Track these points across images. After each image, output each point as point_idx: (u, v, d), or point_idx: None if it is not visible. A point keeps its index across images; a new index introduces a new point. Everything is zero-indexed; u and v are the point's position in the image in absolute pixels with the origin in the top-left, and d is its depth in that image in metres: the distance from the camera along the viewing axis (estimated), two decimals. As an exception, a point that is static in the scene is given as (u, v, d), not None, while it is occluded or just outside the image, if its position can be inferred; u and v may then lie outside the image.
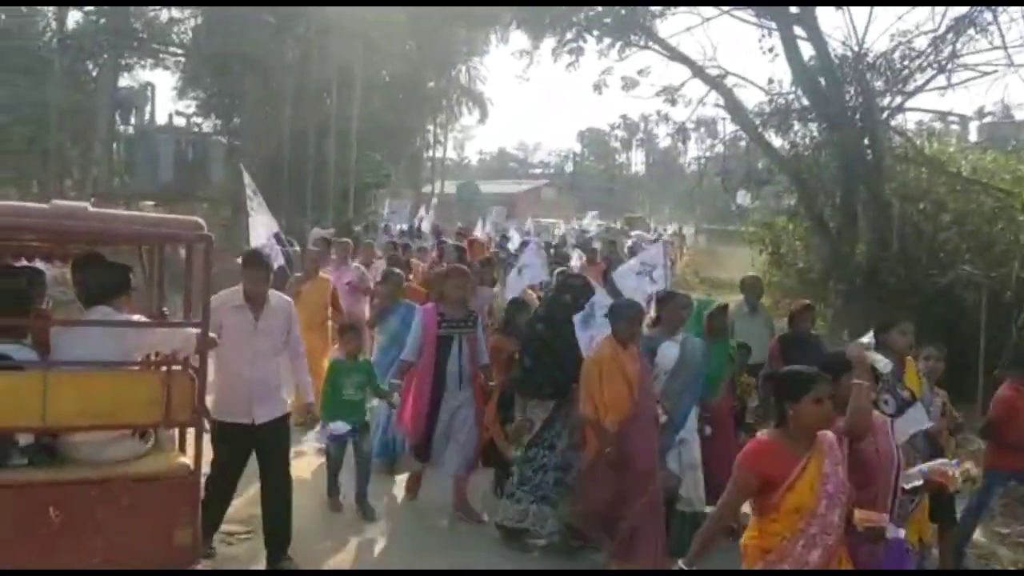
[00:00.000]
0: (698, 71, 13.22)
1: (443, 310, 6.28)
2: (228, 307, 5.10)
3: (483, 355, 6.41)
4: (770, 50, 13.15)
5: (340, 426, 6.36)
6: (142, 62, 25.28)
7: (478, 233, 19.66)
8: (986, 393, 7.21)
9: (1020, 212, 10.61)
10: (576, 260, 14.66)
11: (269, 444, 5.26)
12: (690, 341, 6.00)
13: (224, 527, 5.91)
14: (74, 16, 24.30)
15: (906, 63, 12.09)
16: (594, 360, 5.51)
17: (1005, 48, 11.26)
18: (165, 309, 5.23)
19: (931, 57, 12.00)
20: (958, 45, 11.72)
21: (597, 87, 14.94)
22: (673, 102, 14.54)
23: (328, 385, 6.45)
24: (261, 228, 8.63)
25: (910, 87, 12.30)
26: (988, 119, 36.47)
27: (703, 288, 17.89)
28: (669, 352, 5.91)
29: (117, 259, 4.75)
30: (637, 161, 79.61)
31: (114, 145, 23.37)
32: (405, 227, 20.28)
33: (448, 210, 34.80)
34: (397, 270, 8.59)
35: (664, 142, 44.36)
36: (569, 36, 13.97)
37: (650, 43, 13.56)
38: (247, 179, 9.14)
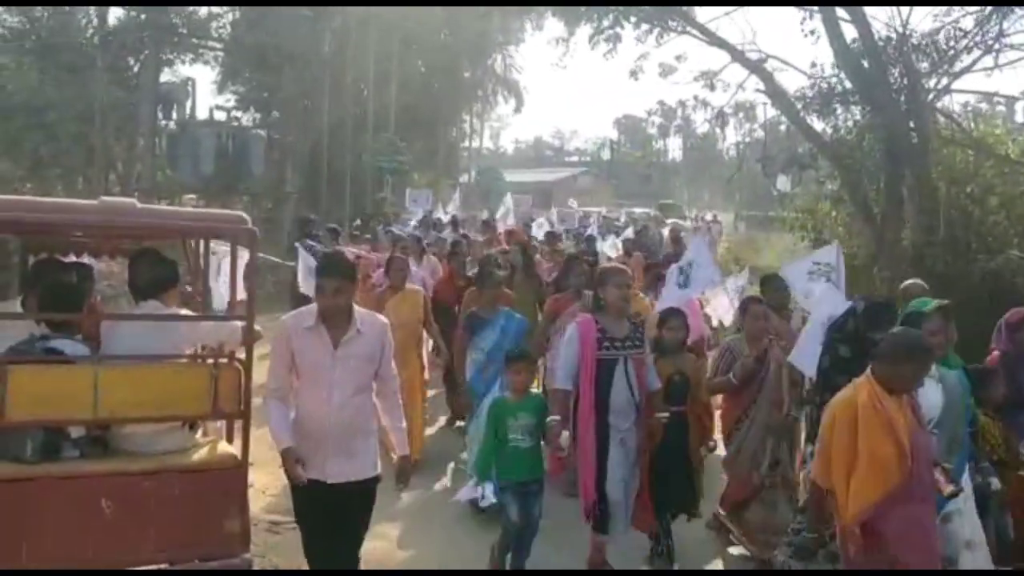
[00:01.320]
0: (738, 55, 13.03)
1: (603, 324, 4.94)
2: (299, 329, 4.00)
3: (654, 379, 5.14)
4: (812, 32, 12.94)
5: (492, 490, 5.38)
6: (182, 57, 25.60)
7: (500, 223, 18.22)
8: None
9: (1070, 195, 10.35)
10: (610, 251, 13.77)
11: (344, 512, 4.07)
12: (949, 377, 4.56)
13: (269, 517, 6.02)
14: (115, 13, 24.72)
15: (952, 43, 11.83)
16: (843, 404, 3.85)
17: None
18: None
19: (977, 37, 11.71)
20: (1005, 24, 11.44)
21: (634, 73, 14.84)
22: (712, 87, 14.39)
23: (489, 430, 5.10)
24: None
25: (956, 68, 12.03)
26: (1036, 99, 35.44)
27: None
28: (932, 396, 4.35)
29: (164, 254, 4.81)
30: (674, 147, 78.95)
31: (156, 140, 23.72)
32: (418, 218, 18.49)
33: (476, 199, 33.73)
34: (498, 270, 7.37)
35: (702, 128, 43.74)
36: (606, 23, 13.86)
37: (688, 28, 13.39)
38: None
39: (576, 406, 4.90)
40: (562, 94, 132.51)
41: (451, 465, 7.49)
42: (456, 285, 8.42)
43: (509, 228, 15.22)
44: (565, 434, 4.68)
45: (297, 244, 10.16)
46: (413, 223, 17.49)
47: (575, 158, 79.43)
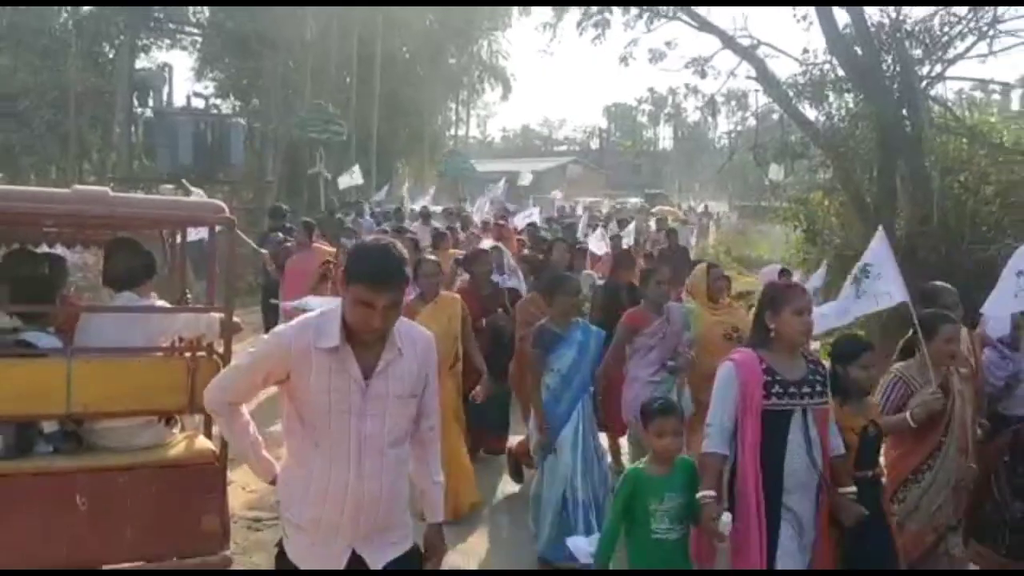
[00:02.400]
0: (729, 41, 12.90)
1: (769, 362, 3.56)
2: (309, 349, 2.66)
3: (838, 440, 3.77)
4: (804, 18, 12.83)
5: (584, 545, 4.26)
6: (159, 43, 25.36)
7: (476, 214, 17.70)
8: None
9: (1065, 183, 10.30)
10: (596, 247, 12.63)
11: None
12: None
13: (250, 513, 5.91)
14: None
15: (945, 30, 11.73)
16: None
17: (1051, 11, 10.90)
18: (188, 294, 5.17)
19: (971, 23, 11.62)
20: (999, 10, 11.35)
21: (623, 60, 14.67)
22: (703, 74, 14.22)
23: (617, 510, 3.79)
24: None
25: (950, 55, 11.94)
26: (1029, 88, 35.52)
27: (735, 268, 17.59)
28: None
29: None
30: (665, 136, 78.89)
31: (132, 128, 23.42)
32: (374, 210, 17.56)
33: (443, 189, 31.46)
34: (575, 274, 6.45)
35: (693, 116, 43.65)
36: (594, 9, 13.73)
37: (679, 13, 13.25)
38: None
39: (733, 477, 3.61)
40: (550, 82, 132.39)
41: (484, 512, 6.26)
42: (480, 297, 7.15)
43: (499, 223, 14.68)
44: (726, 517, 3.46)
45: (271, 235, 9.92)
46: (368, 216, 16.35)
47: (564, 147, 79.27)
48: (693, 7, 13.06)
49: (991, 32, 11.54)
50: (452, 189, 29.88)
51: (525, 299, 6.71)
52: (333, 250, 9.41)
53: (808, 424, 3.55)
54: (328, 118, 23.00)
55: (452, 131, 44.96)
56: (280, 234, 10.23)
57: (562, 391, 5.26)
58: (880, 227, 5.48)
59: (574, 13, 14.17)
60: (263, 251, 9.88)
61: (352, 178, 19.41)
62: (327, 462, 2.69)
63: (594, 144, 76.67)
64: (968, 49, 11.82)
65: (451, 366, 5.98)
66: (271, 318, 9.83)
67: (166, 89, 23.81)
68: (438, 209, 19.59)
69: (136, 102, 23.23)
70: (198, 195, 8.61)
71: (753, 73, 12.90)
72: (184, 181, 9.72)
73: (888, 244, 5.37)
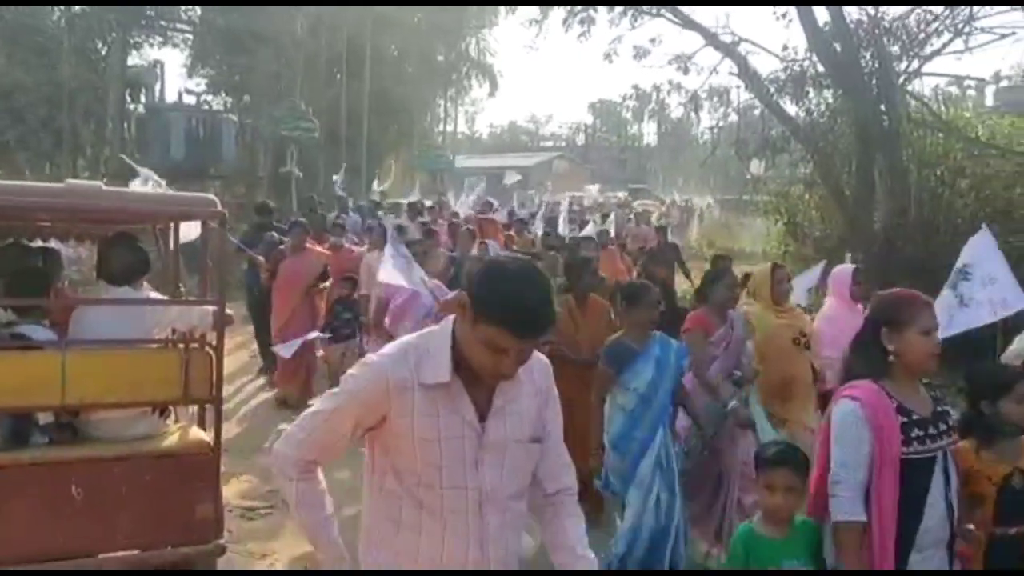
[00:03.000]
0: (711, 38, 13.05)
1: (898, 398, 2.84)
2: (411, 385, 2.09)
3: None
4: (784, 16, 13.00)
5: None
6: (151, 40, 25.28)
7: (460, 208, 17.45)
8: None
9: (1039, 177, 10.50)
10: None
11: None
12: None
13: (244, 502, 5.99)
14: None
15: (922, 26, 11.91)
16: None
17: (1024, 8, 11.09)
18: (182, 287, 5.24)
19: (948, 21, 11.81)
20: (975, 8, 11.54)
21: (608, 56, 14.83)
22: (685, 70, 14.42)
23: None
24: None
25: (927, 51, 12.14)
26: (1005, 83, 35.93)
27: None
28: None
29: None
30: (649, 132, 79.00)
31: (125, 124, 23.41)
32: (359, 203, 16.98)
33: (424, 185, 30.78)
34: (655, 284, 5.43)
35: (676, 112, 43.78)
36: (579, 7, 13.85)
37: (662, 11, 13.38)
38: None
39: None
40: (537, 79, 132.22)
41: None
42: None
43: (483, 217, 13.95)
44: None
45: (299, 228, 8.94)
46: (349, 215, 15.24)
47: (550, 143, 79.25)
48: (677, 6, 13.20)
49: (967, 29, 11.75)
50: (434, 185, 29.74)
51: (568, 314, 5.75)
52: (329, 253, 9.31)
53: (948, 470, 2.88)
54: (300, 115, 22.04)
55: (441, 127, 44.94)
56: (275, 234, 9.66)
57: (642, 414, 4.56)
58: (983, 225, 4.94)
59: (560, 10, 14.29)
60: (258, 256, 9.38)
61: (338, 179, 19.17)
62: (439, 527, 2.12)
63: (580, 140, 76.74)
64: (944, 46, 12.05)
65: None
66: (260, 323, 9.54)
67: (158, 86, 23.76)
68: (428, 203, 19.34)
69: (129, 98, 23.14)
70: (148, 181, 8.16)
71: (735, 70, 13.07)
72: (137, 167, 9.09)
73: (993, 242, 4.58)
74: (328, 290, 8.86)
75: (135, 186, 7.96)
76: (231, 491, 5.87)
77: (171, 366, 3.98)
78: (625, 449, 4.58)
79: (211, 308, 4.22)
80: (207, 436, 4.21)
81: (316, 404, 2.24)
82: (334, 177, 20.27)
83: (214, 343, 4.12)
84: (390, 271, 6.89)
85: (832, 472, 2.85)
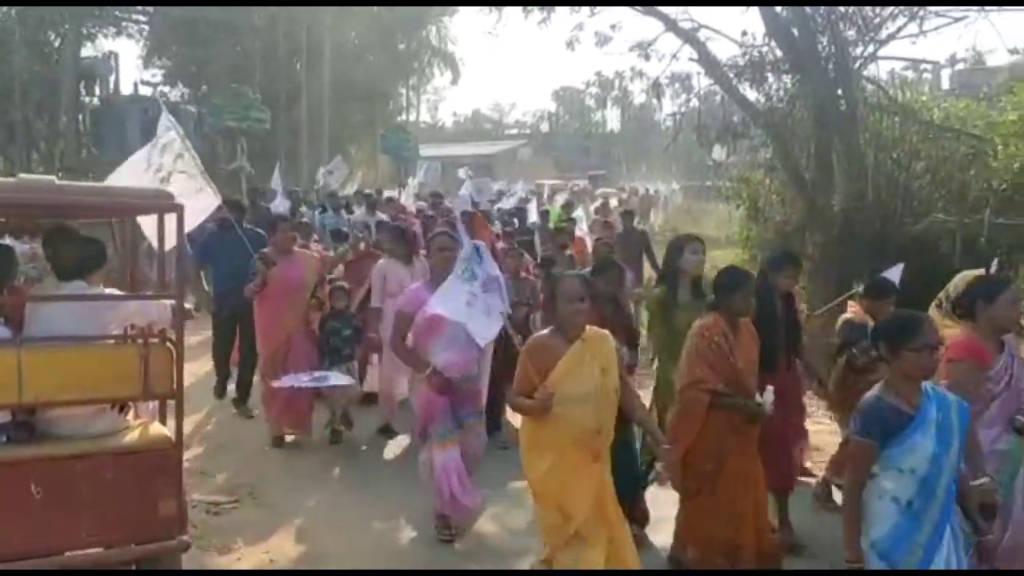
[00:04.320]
0: (671, 24, 13.08)
1: None
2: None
3: None
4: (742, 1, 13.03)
5: None
6: (105, 31, 24.82)
7: (406, 198, 16.15)
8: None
9: (993, 159, 10.68)
10: (579, 229, 12.66)
11: None
12: None
13: (210, 497, 5.94)
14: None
15: (878, 11, 12.04)
16: None
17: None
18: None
19: (903, 4, 11.96)
20: (928, -8, 11.70)
21: (570, 44, 14.81)
22: (647, 57, 14.43)
23: None
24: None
25: (882, 35, 12.27)
26: (960, 66, 36.58)
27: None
28: None
29: (87, 232, 4.66)
30: (613, 119, 79.20)
31: (79, 117, 22.94)
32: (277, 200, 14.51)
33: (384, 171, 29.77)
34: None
35: (639, 98, 43.93)
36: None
37: (621, -3, 13.39)
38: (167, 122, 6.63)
39: None
40: (500, 67, 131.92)
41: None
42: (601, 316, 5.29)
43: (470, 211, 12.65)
44: None
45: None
46: (276, 201, 14.25)
47: (515, 131, 79.19)
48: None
49: (921, 13, 11.90)
50: (397, 176, 29.27)
51: (697, 325, 4.37)
52: (325, 254, 8.05)
53: None
54: (248, 104, 20.02)
55: (403, 116, 44.70)
56: (258, 228, 8.27)
57: (924, 505, 3.19)
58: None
59: (520, -4, 14.21)
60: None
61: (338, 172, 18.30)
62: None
63: (544, 128, 76.77)
64: (899, 29, 12.16)
65: None
66: (222, 337, 8.11)
67: (113, 77, 23.29)
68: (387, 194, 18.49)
69: (83, 91, 22.66)
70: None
71: (695, 56, 13.10)
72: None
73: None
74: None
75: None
76: (194, 486, 5.82)
77: (130, 361, 3.94)
78: (899, 560, 3.21)
79: (170, 303, 4.17)
80: (168, 432, 4.16)
81: None
82: (321, 169, 19.73)
83: (174, 338, 4.07)
84: (454, 305, 4.91)
85: None
